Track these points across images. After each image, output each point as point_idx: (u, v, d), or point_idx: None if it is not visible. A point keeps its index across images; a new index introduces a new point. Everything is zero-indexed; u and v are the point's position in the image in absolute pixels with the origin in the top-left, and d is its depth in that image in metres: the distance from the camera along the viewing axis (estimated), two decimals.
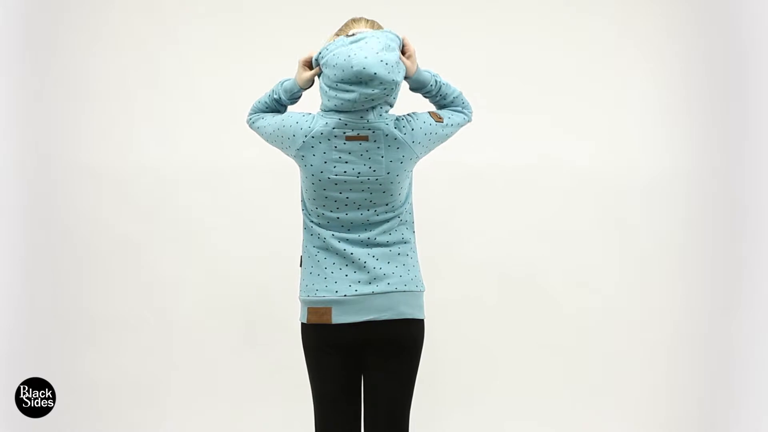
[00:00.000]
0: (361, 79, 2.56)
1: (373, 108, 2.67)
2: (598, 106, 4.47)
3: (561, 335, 4.43)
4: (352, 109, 2.65)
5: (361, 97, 2.59)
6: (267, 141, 2.89)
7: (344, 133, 2.67)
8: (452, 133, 2.87)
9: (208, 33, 4.43)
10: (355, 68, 2.55)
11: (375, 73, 2.54)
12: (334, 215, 2.75)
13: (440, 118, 2.83)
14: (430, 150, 2.83)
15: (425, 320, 2.85)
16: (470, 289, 4.43)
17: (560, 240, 4.45)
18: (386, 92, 2.60)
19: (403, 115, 2.79)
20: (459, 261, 4.44)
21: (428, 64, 4.30)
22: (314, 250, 2.78)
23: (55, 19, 4.37)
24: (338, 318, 2.72)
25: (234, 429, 4.37)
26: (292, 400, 4.10)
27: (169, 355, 4.41)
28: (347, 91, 2.60)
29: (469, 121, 2.94)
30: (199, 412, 4.39)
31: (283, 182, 4.07)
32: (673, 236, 4.45)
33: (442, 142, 2.86)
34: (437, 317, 4.33)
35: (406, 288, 2.75)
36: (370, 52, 2.56)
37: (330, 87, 2.65)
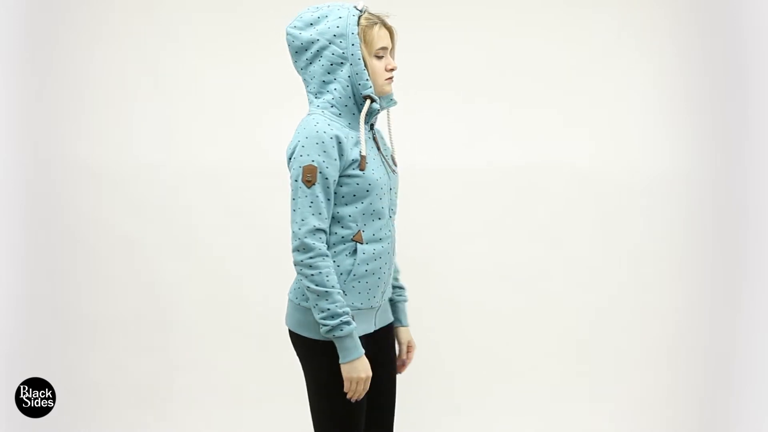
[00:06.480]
0: None
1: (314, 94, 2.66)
2: (598, 106, 4.47)
3: (561, 336, 4.43)
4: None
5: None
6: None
7: None
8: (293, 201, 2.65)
9: (208, 33, 4.43)
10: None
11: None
12: None
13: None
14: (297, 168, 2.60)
15: (314, 340, 2.55)
16: (470, 291, 4.43)
17: (560, 240, 4.45)
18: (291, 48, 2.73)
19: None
20: (458, 262, 4.44)
21: (428, 60, 4.32)
22: None
23: (55, 19, 4.37)
24: None
25: (234, 429, 4.37)
26: (293, 400, 4.09)
27: (169, 355, 4.41)
28: None
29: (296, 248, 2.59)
30: (199, 412, 4.38)
31: (283, 182, 4.06)
32: (673, 236, 4.44)
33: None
34: (436, 320, 4.34)
35: (289, 297, 2.66)
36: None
37: None
